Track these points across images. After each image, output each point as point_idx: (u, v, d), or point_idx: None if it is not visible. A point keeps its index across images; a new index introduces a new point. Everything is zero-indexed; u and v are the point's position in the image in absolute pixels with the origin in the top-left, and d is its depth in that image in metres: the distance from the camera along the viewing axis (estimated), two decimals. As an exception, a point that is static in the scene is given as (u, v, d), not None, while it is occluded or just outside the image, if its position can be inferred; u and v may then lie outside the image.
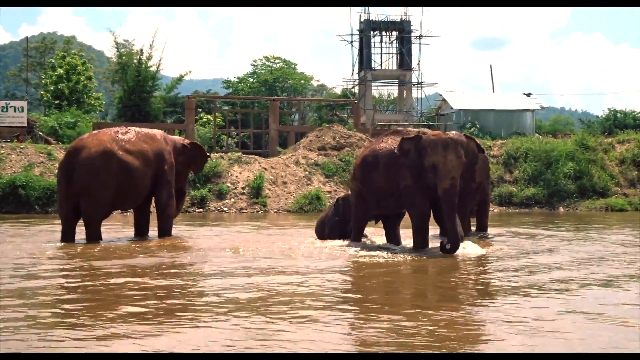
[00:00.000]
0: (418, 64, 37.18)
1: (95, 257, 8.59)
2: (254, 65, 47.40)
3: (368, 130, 27.78)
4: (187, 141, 12.17)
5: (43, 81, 36.83)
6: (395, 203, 9.49)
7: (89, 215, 10.32)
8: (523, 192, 22.12)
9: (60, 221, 10.64)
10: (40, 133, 25.94)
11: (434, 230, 9.98)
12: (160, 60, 33.34)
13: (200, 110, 36.73)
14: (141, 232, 11.30)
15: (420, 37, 37.21)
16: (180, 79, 37.01)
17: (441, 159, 8.82)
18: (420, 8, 37.48)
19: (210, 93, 44.17)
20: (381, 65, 38.65)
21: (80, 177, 10.14)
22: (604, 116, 34.35)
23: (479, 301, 6.03)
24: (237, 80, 46.51)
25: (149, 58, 32.31)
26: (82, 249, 9.48)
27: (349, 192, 11.08)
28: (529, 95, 34.96)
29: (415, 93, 37.61)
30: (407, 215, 9.83)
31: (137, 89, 31.26)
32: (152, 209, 11.41)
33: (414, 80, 37.00)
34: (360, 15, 37.88)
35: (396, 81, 39.07)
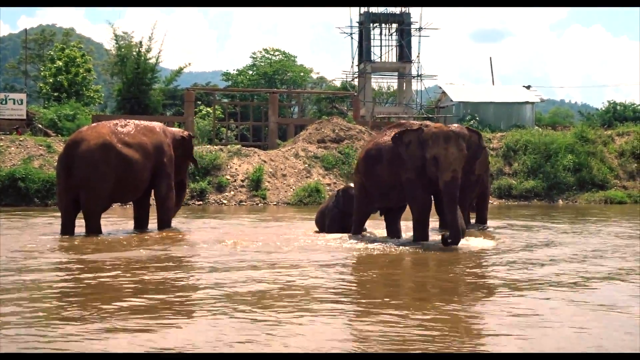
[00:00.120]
0: (418, 56, 37.14)
1: (92, 250, 8.58)
2: (253, 58, 47.35)
3: (368, 122, 27.76)
4: (185, 133, 12.17)
5: (42, 73, 36.76)
6: (398, 196, 9.50)
7: (89, 208, 10.32)
8: (522, 184, 22.14)
9: (59, 214, 10.65)
10: (40, 125, 25.92)
11: (432, 223, 9.99)
12: (159, 53, 33.34)
13: (199, 102, 36.69)
14: (141, 224, 11.30)
15: (420, 29, 37.14)
16: (179, 72, 36.95)
17: (442, 152, 8.82)
18: (419, 8, 37.39)
19: (209, 86, 44.12)
20: (381, 57, 38.59)
21: (79, 169, 10.14)
22: (603, 109, 34.32)
23: (479, 295, 6.01)
24: (237, 72, 46.44)
25: (148, 50, 32.26)
26: (79, 242, 9.48)
27: (349, 184, 11.11)
28: (528, 87, 34.93)
29: (415, 85, 37.59)
30: (407, 208, 9.85)
31: (136, 82, 31.21)
32: (152, 201, 11.42)
33: (414, 72, 36.96)
34: (359, 8, 37.80)
35: (396, 74, 39.02)
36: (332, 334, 4.44)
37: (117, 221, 12.92)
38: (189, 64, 40.92)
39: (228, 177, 20.91)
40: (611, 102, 33.82)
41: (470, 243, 9.14)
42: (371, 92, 38.20)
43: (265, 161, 21.80)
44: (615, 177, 22.96)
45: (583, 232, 11.34)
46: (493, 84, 39.91)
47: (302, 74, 47.01)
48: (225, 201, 19.97)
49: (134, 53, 32.01)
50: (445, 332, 4.49)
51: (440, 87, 36.19)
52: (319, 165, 22.10)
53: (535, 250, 8.85)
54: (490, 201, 14.12)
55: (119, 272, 6.84)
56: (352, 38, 38.33)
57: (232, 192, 20.44)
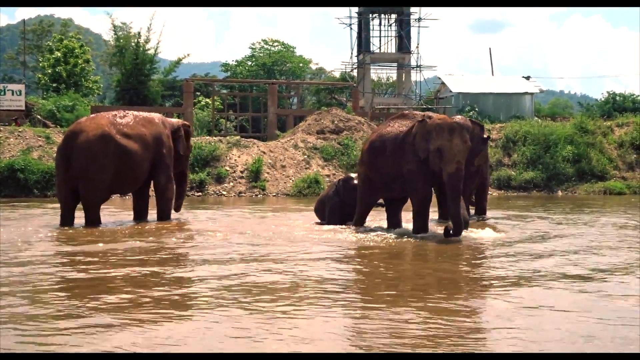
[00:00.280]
0: (417, 47, 37.02)
1: (89, 242, 8.57)
2: (252, 49, 47.19)
3: (367, 113, 27.72)
4: (185, 124, 12.17)
5: (40, 64, 36.63)
6: (401, 187, 9.49)
7: (88, 199, 10.33)
8: (522, 175, 22.14)
9: (59, 205, 10.65)
10: (39, 116, 25.86)
11: (432, 214, 9.99)
12: (158, 43, 33.23)
13: (198, 93, 36.61)
14: (140, 215, 11.31)
15: (419, 19, 37.01)
16: (178, 62, 36.85)
17: (447, 143, 8.80)
18: (418, 8, 37.13)
19: (208, 76, 44.02)
20: (380, 48, 38.47)
21: (78, 161, 10.14)
22: (603, 99, 34.27)
23: (479, 289, 6.02)
24: (236, 63, 46.30)
25: (147, 41, 32.16)
26: (76, 233, 9.48)
27: (350, 174, 11.10)
28: (528, 78, 34.86)
29: (414, 76, 37.46)
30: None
31: (135, 72, 31.13)
32: (152, 192, 11.42)
33: (413, 63, 36.85)
34: (358, 8, 37.59)
35: (395, 64, 38.91)
36: (331, 331, 4.36)
37: (116, 212, 12.92)
38: (188, 54, 41.00)
39: (227, 168, 20.90)
40: (611, 92, 33.77)
41: (472, 235, 9.13)
42: (370, 83, 38.12)
43: (264, 152, 21.79)
44: (614, 168, 22.96)
45: (584, 223, 11.35)
46: (492, 74, 39.84)
47: (301, 64, 46.88)
48: (224, 192, 19.96)
49: (133, 44, 31.92)
50: (445, 328, 4.42)
51: (440, 78, 36.10)
52: (318, 157, 22.08)
53: (535, 242, 8.84)
54: (489, 192, 14.12)
55: (111, 264, 6.80)
56: (351, 29, 38.23)
57: (232, 184, 20.43)
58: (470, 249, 8.24)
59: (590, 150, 23.06)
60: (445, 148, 8.78)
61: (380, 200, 10.21)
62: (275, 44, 47.15)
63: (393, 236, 9.08)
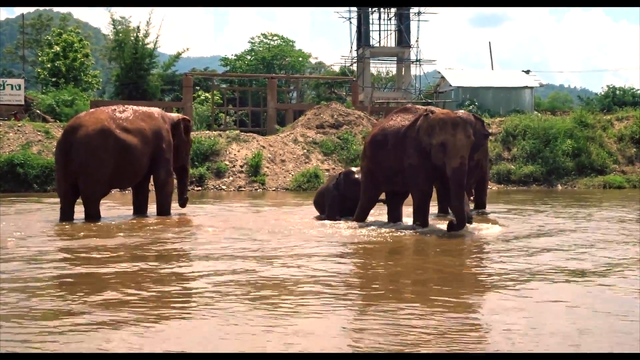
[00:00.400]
0: (417, 40, 36.96)
1: (85, 237, 8.56)
2: (251, 43, 47.10)
3: (366, 108, 27.69)
4: (185, 118, 12.15)
5: (40, 59, 36.57)
6: (403, 181, 9.44)
7: (87, 193, 10.32)
8: (521, 169, 22.13)
9: (58, 199, 10.65)
10: (38, 111, 25.83)
11: (431, 209, 9.97)
12: (157, 38, 33.22)
13: (198, 88, 36.57)
14: (140, 210, 11.31)
15: (418, 13, 36.95)
16: (177, 57, 36.80)
17: (450, 138, 8.75)
18: (417, 9, 37.01)
19: (207, 71, 43.93)
20: (380, 42, 38.41)
21: (78, 155, 10.13)
22: (602, 93, 34.24)
23: (482, 287, 5.99)
24: (235, 57, 46.23)
25: (146, 35, 32.14)
26: (74, 228, 9.48)
27: (351, 168, 11.05)
28: (527, 72, 34.84)
29: (414, 70, 37.43)
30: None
31: (134, 67, 31.10)
32: (151, 187, 11.42)
33: (413, 57, 36.80)
34: (358, 8, 37.52)
35: (395, 58, 38.86)
36: (331, 329, 4.29)
37: (114, 206, 12.92)
38: (187, 49, 40.76)
39: (227, 162, 20.90)
40: (610, 86, 33.74)
41: (475, 230, 9.08)
42: (370, 77, 38.07)
43: (264, 147, 21.78)
44: (614, 161, 22.96)
45: (584, 217, 11.36)
46: (492, 68, 39.80)
47: (300, 59, 46.82)
48: (224, 187, 19.97)
49: (132, 38, 31.88)
50: (446, 326, 4.35)
51: (439, 72, 36.06)
52: (317, 151, 22.07)
53: (536, 236, 8.76)
54: (489, 186, 14.12)
55: (109, 260, 6.75)
56: (350, 23, 38.17)
57: (231, 178, 20.43)
58: (473, 244, 8.20)
59: (590, 144, 23.06)
60: (449, 143, 8.73)
61: (382, 196, 10.18)
62: (275, 38, 47.07)
63: (393, 231, 9.03)
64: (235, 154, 21.24)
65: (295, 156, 21.66)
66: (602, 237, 8.62)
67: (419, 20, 37.10)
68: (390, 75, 44.50)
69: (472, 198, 12.02)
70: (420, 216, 9.25)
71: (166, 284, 5.74)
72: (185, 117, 12.35)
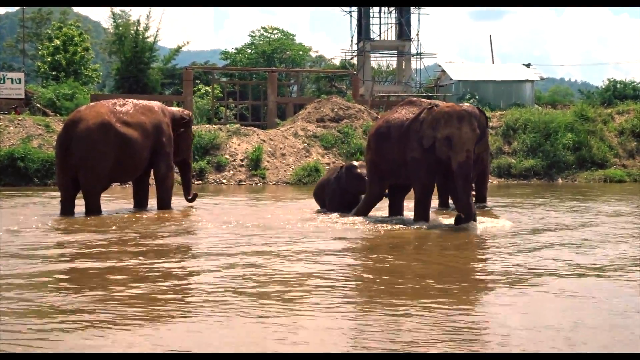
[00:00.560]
0: (417, 34, 36.85)
1: (83, 232, 8.55)
2: (251, 36, 47.00)
3: (367, 101, 27.65)
4: (186, 112, 12.14)
5: (40, 52, 36.51)
6: (406, 174, 9.40)
7: (88, 187, 10.33)
8: (522, 163, 22.11)
9: (59, 193, 10.66)
10: (38, 105, 25.82)
11: (433, 202, 9.95)
12: (157, 31, 33.17)
13: (198, 81, 36.53)
14: (140, 204, 11.32)
15: (419, 6, 36.84)
16: (177, 50, 36.72)
17: (456, 132, 8.71)
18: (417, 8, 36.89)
19: (208, 64, 43.86)
20: (380, 35, 38.30)
21: (78, 149, 10.13)
22: (603, 87, 34.16)
23: (485, 285, 5.97)
24: (235, 51, 46.13)
25: (146, 29, 32.06)
26: (73, 222, 9.49)
27: (352, 162, 10.98)
28: (528, 66, 34.75)
29: (415, 64, 37.32)
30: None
31: (134, 61, 31.06)
32: (152, 181, 11.43)
33: (413, 50, 36.69)
34: (358, 7, 37.40)
35: (395, 52, 38.77)
36: (331, 328, 4.22)
37: (113, 198, 12.92)
38: (188, 42, 40.66)
39: (227, 156, 20.90)
40: (611, 80, 33.63)
41: (479, 225, 9.02)
42: (370, 70, 37.98)
43: (264, 140, 21.77)
44: (614, 155, 22.94)
45: (583, 211, 11.36)
46: (493, 62, 39.71)
47: (301, 52, 46.73)
48: (224, 181, 19.97)
49: (132, 32, 31.82)
50: (448, 326, 4.29)
51: (440, 66, 35.98)
52: (318, 145, 22.06)
53: (538, 232, 8.68)
54: (489, 180, 14.12)
55: (107, 256, 6.71)
56: (351, 16, 38.06)
57: (232, 172, 20.43)
58: (479, 239, 8.15)
59: (590, 138, 23.02)
60: (454, 136, 8.68)
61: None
62: (275, 31, 46.97)
63: (394, 225, 8.99)
64: (235, 148, 21.23)
65: (295, 150, 21.65)
66: (611, 232, 8.54)
67: (419, 14, 37.02)
68: (391, 68, 44.42)
69: (473, 192, 12.02)
70: (421, 210, 9.24)
71: (161, 280, 5.64)
72: (185, 110, 12.35)
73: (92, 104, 11.31)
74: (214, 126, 23.01)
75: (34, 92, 27.76)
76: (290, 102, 30.34)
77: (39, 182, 18.11)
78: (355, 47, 38.10)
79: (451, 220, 9.29)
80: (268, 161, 20.91)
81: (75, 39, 34.57)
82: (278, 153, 21.39)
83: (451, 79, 32.56)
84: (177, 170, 12.39)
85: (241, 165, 20.68)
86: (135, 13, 79.15)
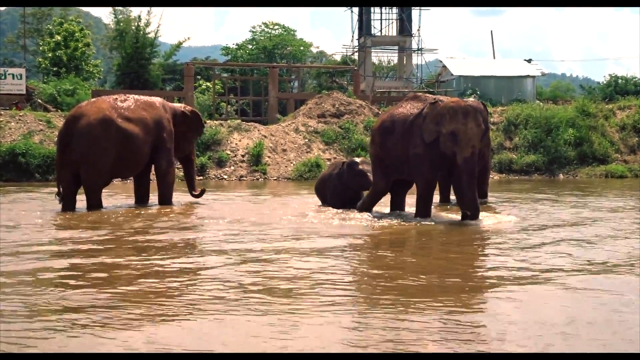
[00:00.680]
0: (418, 29, 36.81)
1: (84, 228, 8.55)
2: (252, 32, 46.94)
3: (368, 97, 27.64)
4: (188, 108, 12.13)
5: (41, 48, 36.50)
6: (409, 170, 9.35)
7: (89, 183, 10.35)
8: (523, 159, 22.10)
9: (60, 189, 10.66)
10: (39, 100, 25.82)
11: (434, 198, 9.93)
12: (158, 27, 33.21)
13: (199, 77, 36.49)
14: (141, 200, 11.33)
15: (420, 6, 36.79)
16: (178, 46, 36.71)
17: (462, 127, 8.66)
18: (418, 8, 36.82)
19: (209, 60, 43.86)
20: (381, 31, 38.26)
21: (79, 145, 10.14)
22: (605, 82, 34.12)
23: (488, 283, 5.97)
24: (236, 47, 46.08)
25: (147, 25, 32.09)
26: (72, 218, 9.50)
27: (354, 159, 10.93)
28: (529, 61, 34.71)
29: (416, 59, 37.30)
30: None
31: (135, 56, 31.06)
32: (153, 177, 11.44)
33: (414, 46, 36.66)
34: (360, 7, 37.36)
35: (396, 47, 38.73)
36: (331, 327, 4.17)
37: (118, 196, 12.93)
38: (188, 38, 40.87)
39: (228, 152, 20.90)
40: (612, 75, 33.61)
41: (487, 220, 8.97)
42: (371, 66, 37.94)
43: (265, 136, 21.77)
44: (616, 151, 22.91)
45: (582, 206, 11.35)
46: (494, 57, 39.67)
47: (301, 48, 46.68)
48: (225, 176, 19.98)
49: (133, 27, 31.82)
50: (449, 326, 4.23)
51: (441, 61, 35.93)
52: (319, 140, 22.05)
53: (540, 229, 8.60)
54: (490, 176, 14.12)
55: (103, 253, 6.66)
56: (352, 11, 38.03)
57: (233, 167, 20.44)
58: (480, 236, 8.13)
59: (591, 133, 23.00)
60: (460, 132, 8.63)
61: None
62: (276, 27, 46.91)
63: (395, 221, 8.97)
64: (236, 144, 21.24)
65: (296, 145, 21.65)
66: (615, 228, 8.51)
67: (420, 9, 36.97)
68: (392, 64, 44.38)
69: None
70: (422, 206, 9.20)
71: (160, 278, 5.56)
72: (187, 107, 12.35)
73: (93, 99, 11.31)
74: (215, 122, 23.01)
75: (35, 87, 27.76)
76: (291, 97, 30.32)
77: (40, 177, 18.13)
78: (356, 43, 38.07)
79: (452, 216, 9.28)
80: (269, 157, 20.92)
81: (76, 34, 34.54)
82: (279, 148, 21.39)
83: (452, 75, 32.53)
84: (181, 167, 12.45)
85: (242, 161, 20.69)
86: (136, 9, 79.14)
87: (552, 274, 5.70)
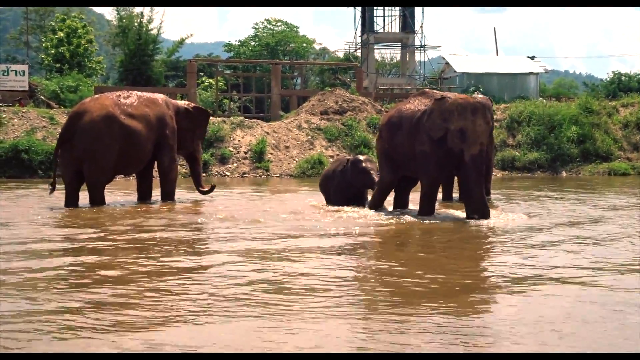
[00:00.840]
0: (421, 26, 36.78)
1: (86, 225, 8.54)
2: (255, 29, 46.94)
3: (371, 94, 27.60)
4: (191, 105, 12.12)
5: (43, 44, 36.52)
6: (415, 167, 9.31)
7: (92, 179, 10.35)
8: (526, 156, 22.05)
9: (60, 185, 10.68)
10: (42, 97, 25.85)
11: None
12: (161, 23, 33.24)
13: (202, 74, 36.52)
14: (144, 196, 11.34)
15: (422, 6, 36.73)
16: (181, 43, 36.70)
17: (470, 124, 8.61)
18: (420, 8, 36.79)
19: (211, 57, 43.82)
20: (384, 28, 38.23)
21: (83, 141, 10.14)
22: (608, 79, 34.04)
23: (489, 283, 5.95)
24: (239, 43, 46.08)
25: (150, 21, 32.06)
26: (74, 214, 9.50)
27: (358, 156, 10.83)
28: (532, 58, 34.64)
29: (418, 56, 37.27)
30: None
31: (138, 53, 31.06)
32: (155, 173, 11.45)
33: (417, 43, 36.63)
34: (363, 7, 37.29)
35: (399, 44, 38.70)
36: (330, 328, 4.12)
37: (120, 192, 12.93)
38: (191, 35, 40.64)
39: (231, 148, 20.89)
40: (616, 72, 33.52)
41: (490, 219, 8.85)
42: (374, 63, 37.91)
43: (268, 133, 21.76)
44: (619, 148, 22.85)
45: (581, 203, 11.33)
46: (497, 54, 39.63)
47: (304, 45, 46.65)
48: (228, 173, 19.98)
49: (136, 24, 31.81)
50: (451, 326, 4.19)
51: (444, 58, 35.88)
52: (322, 137, 22.03)
53: (542, 227, 8.52)
54: (493, 173, 14.10)
55: (103, 251, 6.64)
56: (355, 8, 37.98)
57: (235, 164, 20.43)
58: (483, 234, 8.08)
59: (595, 130, 22.94)
60: (468, 129, 8.57)
61: None
62: (279, 24, 46.89)
63: (398, 219, 8.93)
64: (239, 140, 21.23)
65: (299, 142, 21.64)
66: (619, 227, 8.43)
67: (423, 6, 36.92)
68: (395, 61, 44.37)
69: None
70: (426, 204, 9.15)
71: (160, 277, 5.52)
72: (191, 103, 12.35)
73: (96, 96, 11.32)
74: (217, 118, 22.99)
75: (37, 84, 27.77)
76: (294, 94, 30.31)
77: (43, 174, 18.13)
78: (359, 40, 38.04)
79: (456, 213, 9.25)
80: (272, 154, 20.91)
81: (79, 31, 34.54)
82: (282, 145, 21.38)
83: (455, 72, 32.48)
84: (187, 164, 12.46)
85: (245, 158, 20.68)
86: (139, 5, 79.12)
87: (557, 273, 5.68)
